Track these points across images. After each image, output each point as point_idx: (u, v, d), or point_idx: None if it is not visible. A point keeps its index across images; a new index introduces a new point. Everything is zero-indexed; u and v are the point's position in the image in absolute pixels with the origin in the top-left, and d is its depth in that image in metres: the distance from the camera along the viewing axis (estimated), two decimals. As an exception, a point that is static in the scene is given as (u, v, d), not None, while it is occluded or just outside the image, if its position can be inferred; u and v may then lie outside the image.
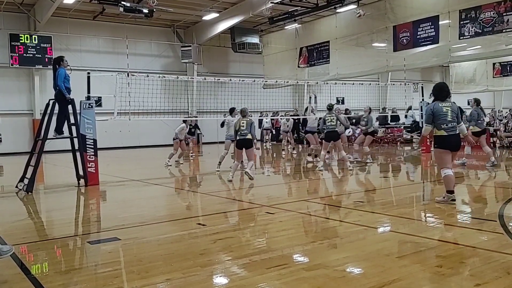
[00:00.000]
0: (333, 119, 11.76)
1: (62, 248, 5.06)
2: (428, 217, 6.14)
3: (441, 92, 6.86)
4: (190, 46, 24.88)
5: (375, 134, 12.91)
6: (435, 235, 4.96)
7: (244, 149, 10.16)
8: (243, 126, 10.03)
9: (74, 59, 21.45)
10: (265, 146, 22.73)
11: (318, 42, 22.93)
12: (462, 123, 6.97)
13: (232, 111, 12.47)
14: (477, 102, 12.10)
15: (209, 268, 3.96)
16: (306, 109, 14.90)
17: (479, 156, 13.63)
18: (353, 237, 4.98)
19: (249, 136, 10.03)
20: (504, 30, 16.05)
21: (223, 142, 12.99)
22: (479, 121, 11.64)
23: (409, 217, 6.03)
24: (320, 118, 13.34)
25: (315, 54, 23.22)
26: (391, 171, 12.72)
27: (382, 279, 3.51)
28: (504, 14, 15.92)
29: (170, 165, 13.92)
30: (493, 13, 16.24)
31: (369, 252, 4.31)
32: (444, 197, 6.71)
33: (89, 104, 9.85)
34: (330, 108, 12.13)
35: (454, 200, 6.66)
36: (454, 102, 7.05)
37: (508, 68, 26.75)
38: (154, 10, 18.65)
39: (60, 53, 12.57)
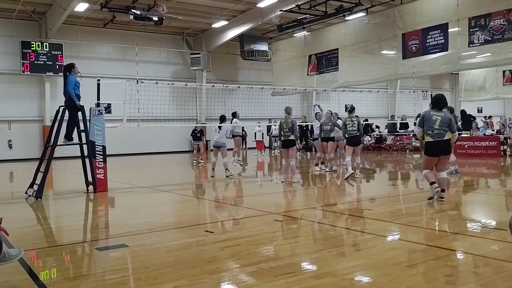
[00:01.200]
0: (355, 123, 11.25)
1: (71, 254, 5.08)
2: (437, 225, 6.09)
3: (438, 103, 7.59)
4: (199, 53, 25.02)
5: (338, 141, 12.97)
6: (444, 244, 4.90)
7: (354, 146, 11.22)
8: (353, 126, 11.11)
9: (85, 66, 21.66)
10: (273, 152, 22.72)
11: (327, 49, 22.96)
12: (456, 132, 7.67)
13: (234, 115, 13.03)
14: (450, 110, 11.91)
15: (216, 276, 3.95)
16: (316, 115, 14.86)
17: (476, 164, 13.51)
18: (362, 245, 4.94)
19: (292, 137, 10.67)
20: (514, 38, 15.98)
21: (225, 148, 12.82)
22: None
23: (419, 225, 5.98)
24: (321, 125, 13.47)
25: (324, 61, 23.25)
26: (400, 178, 12.64)
27: (391, 288, 3.48)
28: (514, 21, 15.86)
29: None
30: (503, 21, 16.17)
31: (378, 261, 4.27)
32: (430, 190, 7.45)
33: (99, 111, 9.91)
34: (351, 111, 11.52)
35: (437, 188, 7.37)
36: (451, 113, 7.43)
37: (519, 75, 26.57)
38: (164, 18, 18.82)
39: (71, 61, 12.70)
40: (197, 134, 17.49)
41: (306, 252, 4.68)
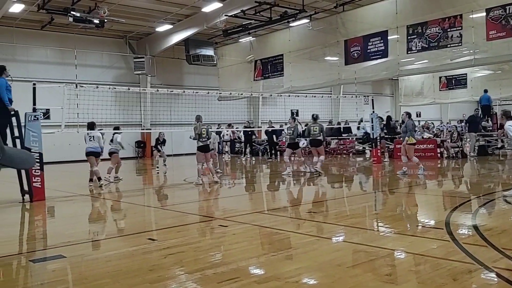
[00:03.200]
0: (316, 128, 13.27)
1: (3, 267, 4.77)
2: (379, 226, 6.24)
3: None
4: (143, 57, 24.55)
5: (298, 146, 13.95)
6: (385, 244, 5.02)
7: (315, 147, 13.34)
8: (315, 130, 13.00)
9: (21, 70, 20.70)
10: (223, 157, 22.64)
11: (272, 55, 23.18)
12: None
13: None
14: (408, 115, 12.75)
15: (158, 285, 3.83)
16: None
17: (427, 166, 14.07)
18: (306, 248, 4.97)
19: (319, 137, 13.16)
20: (448, 45, 16.80)
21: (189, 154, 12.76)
22: (413, 133, 12.29)
23: (361, 226, 6.10)
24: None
25: (269, 67, 23.46)
26: (344, 181, 12.93)
27: (333, 290, 3.50)
28: (448, 30, 16.67)
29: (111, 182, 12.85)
30: (438, 29, 16.96)
31: (321, 263, 4.31)
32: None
33: (35, 116, 9.45)
34: (315, 118, 13.60)
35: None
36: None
37: (453, 81, 27.98)
38: (105, 20, 18.30)
39: (6, 64, 12.05)
40: (160, 144, 16.61)
41: (251, 257, 4.65)
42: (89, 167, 11.76)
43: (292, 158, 14.16)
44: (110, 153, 13.01)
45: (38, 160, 9.35)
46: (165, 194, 11.24)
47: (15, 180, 9.70)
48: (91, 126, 11.89)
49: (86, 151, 11.74)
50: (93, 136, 11.74)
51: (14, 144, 9.37)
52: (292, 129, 13.51)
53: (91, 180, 11.95)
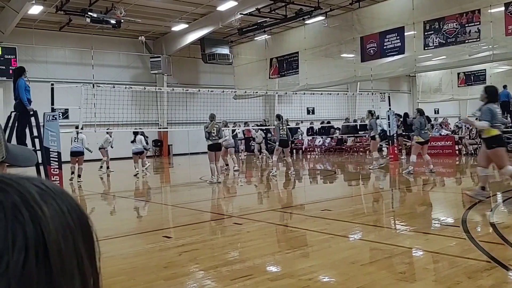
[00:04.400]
0: (285, 128, 12.77)
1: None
2: (395, 224, 6.20)
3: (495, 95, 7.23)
4: (159, 57, 24.71)
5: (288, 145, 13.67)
6: (401, 242, 4.99)
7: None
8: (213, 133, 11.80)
9: (40, 71, 21.04)
10: (240, 156, 22.72)
11: (288, 53, 23.12)
12: None
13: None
14: (420, 112, 12.23)
15: (173, 281, 3.87)
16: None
17: (445, 164, 13.91)
18: (320, 245, 4.97)
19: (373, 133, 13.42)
20: (466, 41, 16.54)
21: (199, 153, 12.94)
22: (422, 131, 11.72)
23: (376, 224, 6.07)
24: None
25: (285, 64, 23.41)
26: (360, 179, 12.85)
27: (346, 287, 3.50)
28: (466, 25, 16.41)
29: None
30: (456, 24, 16.72)
31: (334, 261, 4.30)
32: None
33: (53, 116, 9.62)
34: (280, 118, 12.90)
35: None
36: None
37: (472, 77, 27.53)
38: (122, 21, 18.48)
39: (25, 65, 12.29)
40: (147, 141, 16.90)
41: (265, 254, 4.66)
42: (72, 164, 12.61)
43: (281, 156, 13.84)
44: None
45: (56, 159, 9.53)
46: (181, 192, 11.32)
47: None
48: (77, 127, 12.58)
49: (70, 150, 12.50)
50: (78, 138, 12.36)
51: (33, 144, 9.55)
52: (283, 127, 12.99)
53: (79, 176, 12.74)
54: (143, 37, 21.70)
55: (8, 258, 0.43)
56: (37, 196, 0.47)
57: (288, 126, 20.29)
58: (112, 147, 15.02)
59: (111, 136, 14.61)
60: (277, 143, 12.89)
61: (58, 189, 0.51)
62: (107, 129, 14.60)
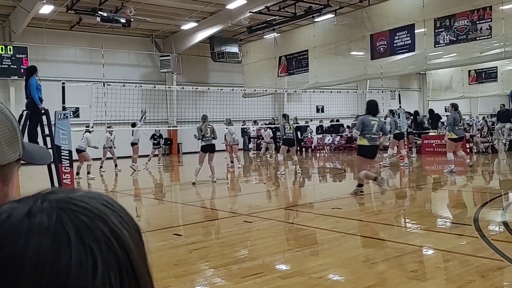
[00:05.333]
0: (291, 127, 12.83)
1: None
2: (404, 222, 6.17)
3: (373, 108, 8.28)
4: (169, 55, 24.78)
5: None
6: (412, 240, 4.97)
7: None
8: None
9: (51, 70, 21.18)
10: (251, 154, 22.75)
11: (297, 51, 23.06)
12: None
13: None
14: (454, 107, 11.70)
15: (183, 279, 3.89)
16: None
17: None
18: (331, 243, 4.96)
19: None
20: (477, 38, 16.38)
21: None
22: (456, 127, 11.18)
23: (387, 223, 6.04)
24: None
25: (294, 63, 23.35)
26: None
27: (357, 285, 3.49)
28: (477, 22, 16.25)
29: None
30: (467, 21, 16.56)
31: (345, 259, 4.29)
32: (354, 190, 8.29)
33: (64, 114, 9.68)
34: (285, 117, 13.08)
35: (362, 192, 8.25)
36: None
37: (483, 75, 27.27)
38: (132, 20, 18.55)
39: (37, 64, 12.39)
40: (156, 139, 16.98)
41: (275, 252, 4.66)
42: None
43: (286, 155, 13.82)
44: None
45: (67, 158, 9.59)
46: (191, 190, 11.33)
47: (46, 178, 9.96)
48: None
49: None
50: (83, 136, 12.82)
51: (45, 142, 9.63)
52: (289, 126, 13.01)
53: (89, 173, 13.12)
54: None
55: (108, 284, 0.45)
56: (113, 218, 0.49)
57: (297, 125, 20.31)
58: (114, 146, 15.03)
59: (111, 134, 14.64)
60: (282, 141, 12.93)
61: (117, 204, 0.53)
62: (108, 127, 14.58)
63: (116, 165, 15.05)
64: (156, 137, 16.94)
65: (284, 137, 12.62)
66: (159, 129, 16.78)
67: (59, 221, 0.46)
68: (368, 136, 8.00)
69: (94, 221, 0.47)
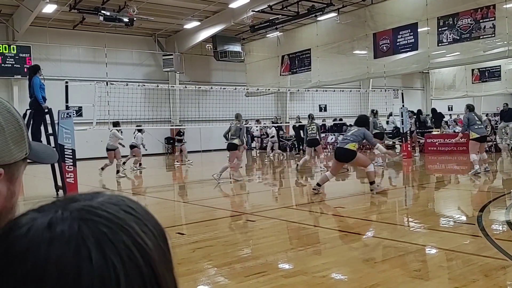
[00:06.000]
0: (314, 127, 13.06)
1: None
2: (408, 221, 6.16)
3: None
4: (171, 54, 24.79)
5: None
6: (415, 239, 4.96)
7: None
8: (313, 130, 12.79)
9: (54, 69, 21.24)
10: (252, 153, 22.76)
11: (300, 50, 23.04)
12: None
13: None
14: (469, 108, 11.37)
15: (187, 278, 3.89)
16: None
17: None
18: (334, 242, 4.96)
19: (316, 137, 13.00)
20: (481, 37, 16.32)
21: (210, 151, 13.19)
22: (475, 126, 10.82)
23: (390, 222, 6.03)
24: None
25: (296, 61, 23.33)
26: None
27: (360, 285, 3.48)
28: (481, 20, 16.20)
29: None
30: (470, 20, 16.51)
31: (348, 258, 4.29)
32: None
33: (67, 113, 9.70)
34: (309, 117, 13.56)
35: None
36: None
37: (487, 74, 27.19)
38: (135, 19, 18.57)
39: (40, 63, 12.41)
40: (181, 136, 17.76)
41: (278, 251, 4.67)
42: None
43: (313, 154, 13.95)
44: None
45: (71, 157, 9.61)
46: (194, 189, 11.36)
47: (49, 176, 10.00)
48: (115, 124, 13.13)
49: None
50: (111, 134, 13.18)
51: (48, 141, 9.65)
52: (313, 126, 13.34)
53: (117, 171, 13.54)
54: None
55: None
56: (137, 227, 0.48)
57: (299, 123, 20.34)
58: (143, 145, 15.08)
59: (139, 133, 14.80)
60: (307, 143, 13.41)
61: (142, 209, 0.51)
62: (137, 126, 14.98)
63: (140, 164, 15.07)
64: (181, 134, 17.27)
65: (308, 138, 13.12)
66: (184, 127, 16.97)
67: (80, 233, 0.45)
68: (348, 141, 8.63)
69: (116, 232, 0.46)
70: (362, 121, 8.87)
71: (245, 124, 23.28)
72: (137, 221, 0.49)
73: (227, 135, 11.11)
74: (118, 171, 13.53)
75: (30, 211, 0.49)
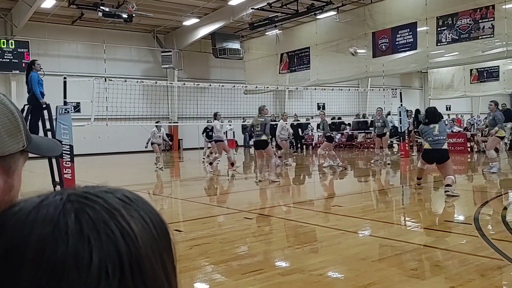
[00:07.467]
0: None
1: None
2: (405, 221, 6.17)
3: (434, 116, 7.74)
4: (170, 51, 24.76)
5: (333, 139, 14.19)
6: (412, 239, 4.97)
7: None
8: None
9: (52, 64, 21.17)
10: (250, 151, 22.75)
11: (299, 48, 23.03)
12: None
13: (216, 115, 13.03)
14: (496, 104, 10.97)
15: (183, 275, 3.89)
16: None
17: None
18: (331, 241, 4.96)
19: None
20: (480, 37, 16.34)
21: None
22: (503, 125, 10.64)
23: (387, 221, 6.04)
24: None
25: (295, 60, 23.32)
26: (371, 175, 12.80)
27: (357, 283, 3.49)
28: (480, 21, 16.21)
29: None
30: (469, 20, 16.52)
31: (345, 256, 4.30)
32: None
33: (65, 109, 9.68)
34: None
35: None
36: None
37: (485, 74, 27.24)
38: (134, 15, 18.53)
39: (38, 58, 12.39)
40: (209, 133, 16.74)
41: (275, 249, 4.68)
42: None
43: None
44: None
45: (68, 152, 9.59)
46: (191, 186, 11.36)
47: (47, 172, 9.97)
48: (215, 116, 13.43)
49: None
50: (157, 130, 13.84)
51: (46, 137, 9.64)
52: (323, 123, 13.96)
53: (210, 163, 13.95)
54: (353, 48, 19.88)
55: (105, 275, 0.44)
56: (124, 211, 0.48)
57: (298, 122, 20.36)
58: (165, 140, 15.10)
59: (159, 130, 14.60)
60: (326, 138, 13.91)
61: (139, 200, 0.52)
62: (156, 122, 14.85)
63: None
64: (208, 130, 16.93)
65: (327, 134, 13.76)
66: (211, 123, 16.60)
67: (62, 212, 0.47)
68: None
69: (99, 212, 0.47)
70: (439, 114, 7.90)
71: (242, 122, 23.34)
72: (126, 206, 0.49)
73: (252, 133, 10.54)
74: (211, 163, 13.88)
75: (33, 196, 0.51)
